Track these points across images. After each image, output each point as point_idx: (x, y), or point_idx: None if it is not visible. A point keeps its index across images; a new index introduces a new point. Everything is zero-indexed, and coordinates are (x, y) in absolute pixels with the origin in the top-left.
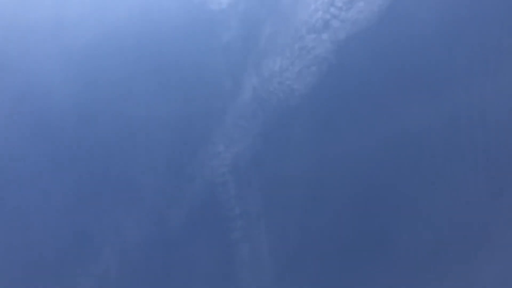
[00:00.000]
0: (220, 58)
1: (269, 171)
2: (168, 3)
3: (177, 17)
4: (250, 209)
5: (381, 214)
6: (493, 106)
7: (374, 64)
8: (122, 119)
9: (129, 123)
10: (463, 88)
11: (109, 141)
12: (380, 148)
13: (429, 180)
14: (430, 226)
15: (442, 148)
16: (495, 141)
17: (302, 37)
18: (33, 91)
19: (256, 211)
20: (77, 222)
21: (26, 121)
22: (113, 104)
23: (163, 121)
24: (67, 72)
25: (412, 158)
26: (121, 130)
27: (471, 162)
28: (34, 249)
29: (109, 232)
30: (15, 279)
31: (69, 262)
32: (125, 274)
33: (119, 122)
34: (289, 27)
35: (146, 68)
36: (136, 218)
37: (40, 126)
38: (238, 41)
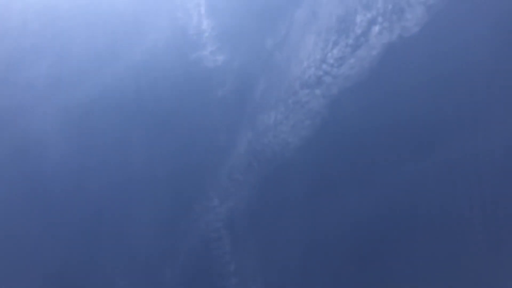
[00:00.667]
0: (216, 112)
1: (265, 226)
2: (164, 60)
3: (173, 73)
4: (245, 266)
5: (379, 269)
6: (486, 158)
7: (367, 118)
8: (117, 174)
9: (123, 178)
10: (457, 140)
11: (102, 197)
12: (375, 201)
13: (427, 234)
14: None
15: (437, 201)
16: (491, 194)
17: (295, 92)
18: (29, 147)
19: (252, 268)
20: (69, 279)
21: (21, 177)
22: (108, 160)
23: (157, 175)
24: (64, 128)
25: (407, 211)
26: (115, 186)
27: (467, 215)
28: None
29: None
30: None
31: None
32: None
33: (114, 178)
34: (283, 83)
35: (141, 124)
36: (129, 276)
37: (35, 181)
38: (233, 96)
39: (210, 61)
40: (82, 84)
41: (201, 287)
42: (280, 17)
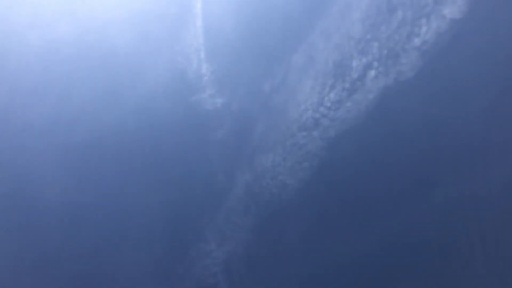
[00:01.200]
0: (214, 154)
1: (263, 270)
2: (163, 103)
3: (172, 116)
4: None
5: None
6: (484, 198)
7: (364, 160)
8: (113, 216)
9: (120, 220)
10: (454, 181)
11: (99, 239)
12: (373, 243)
13: (425, 273)
14: None
15: (436, 241)
16: (490, 233)
17: (293, 135)
18: (27, 187)
19: None
20: None
21: (19, 216)
22: (105, 202)
23: (154, 217)
24: (62, 169)
25: (406, 252)
26: (111, 228)
27: (467, 254)
28: None
29: None
30: None
31: None
32: None
33: (110, 220)
34: (280, 125)
35: (140, 165)
36: None
37: (32, 221)
38: (232, 138)
39: (209, 104)
40: (81, 126)
41: None
42: (278, 61)
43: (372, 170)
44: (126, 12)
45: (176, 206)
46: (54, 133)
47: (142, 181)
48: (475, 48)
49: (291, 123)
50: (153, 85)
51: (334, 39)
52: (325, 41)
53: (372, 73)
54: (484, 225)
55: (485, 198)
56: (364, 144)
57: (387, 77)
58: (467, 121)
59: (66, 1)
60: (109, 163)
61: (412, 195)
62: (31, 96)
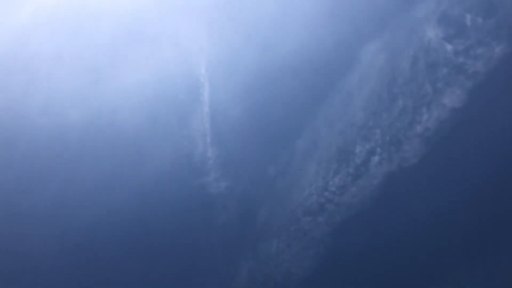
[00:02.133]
0: (217, 240)
1: None
2: (167, 186)
3: (175, 200)
4: None
5: None
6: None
7: (371, 247)
8: None
9: None
10: (457, 269)
11: None
12: None
13: None
14: None
15: None
16: None
17: (298, 220)
18: (28, 272)
19: None
20: None
21: None
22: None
23: None
24: (63, 254)
25: None
26: None
27: None
28: None
29: None
30: None
31: None
32: None
33: None
34: (285, 210)
35: (142, 249)
36: None
37: None
38: (235, 223)
39: (213, 188)
40: (84, 210)
41: None
42: (282, 146)
43: (379, 258)
44: (136, 98)
45: None
46: (56, 218)
47: (144, 266)
48: (476, 136)
49: (295, 208)
50: (158, 169)
51: (337, 125)
52: (328, 127)
53: (375, 159)
54: None
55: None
56: (370, 230)
57: (391, 163)
58: (471, 208)
59: (79, 88)
60: (111, 248)
61: (418, 280)
62: (37, 180)
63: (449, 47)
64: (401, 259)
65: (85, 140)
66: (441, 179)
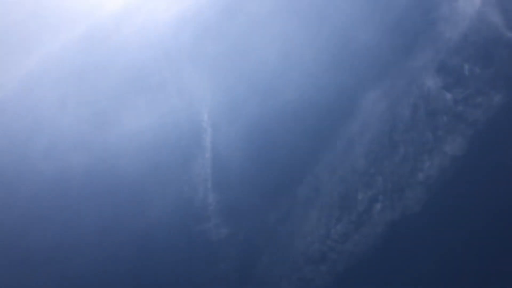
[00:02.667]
0: None
1: None
2: (167, 233)
3: (175, 246)
4: None
5: None
6: None
7: None
8: None
9: None
10: None
11: None
12: None
13: None
14: None
15: None
16: None
17: (300, 268)
18: None
19: None
20: None
21: None
22: None
23: None
24: None
25: None
26: None
27: None
28: None
29: None
30: None
31: None
32: None
33: None
34: (286, 258)
35: None
36: None
37: None
38: (235, 271)
39: (213, 234)
40: (81, 254)
41: None
42: (283, 193)
43: None
44: (139, 143)
45: None
46: (56, 262)
47: None
48: (478, 184)
49: (297, 256)
50: (158, 214)
51: (339, 172)
52: (330, 174)
53: (378, 206)
54: None
55: None
56: (373, 279)
57: (394, 211)
58: (476, 255)
59: (82, 133)
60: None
61: None
62: (37, 224)
63: (448, 95)
64: None
65: (86, 185)
66: (444, 227)
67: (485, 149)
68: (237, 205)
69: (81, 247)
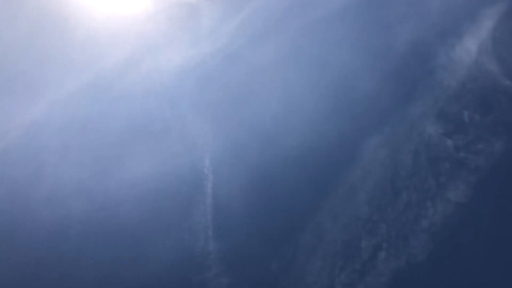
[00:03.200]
0: None
1: None
2: (166, 281)
3: None
4: None
5: None
6: None
7: None
8: None
9: None
10: None
11: None
12: None
13: None
14: None
15: None
16: None
17: None
18: None
19: None
20: None
21: None
22: None
23: None
24: None
25: None
26: None
27: None
28: None
29: None
30: None
31: None
32: None
33: None
34: None
35: None
36: None
37: None
38: None
39: (214, 284)
40: None
41: None
42: (286, 241)
43: None
44: (139, 190)
45: None
46: None
47: None
48: (483, 230)
49: None
50: (158, 262)
51: (342, 219)
52: (332, 221)
53: (382, 254)
54: None
55: None
56: None
57: (398, 260)
58: None
59: (83, 180)
60: None
61: None
62: (37, 271)
63: (449, 142)
64: None
65: (86, 233)
66: (450, 276)
67: (489, 196)
68: (239, 253)
69: None
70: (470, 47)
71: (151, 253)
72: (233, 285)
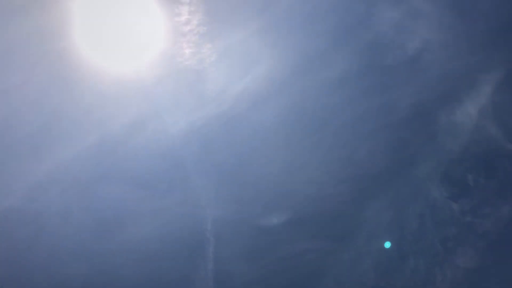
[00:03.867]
0: None
1: None
2: None
3: None
4: None
5: None
6: None
7: None
8: None
9: None
10: None
11: None
12: None
13: None
14: None
15: None
16: None
17: None
18: None
19: None
20: None
21: None
22: None
23: None
24: None
25: None
26: None
27: None
28: None
29: None
30: None
31: None
32: None
33: None
34: None
35: None
36: None
37: None
38: None
39: None
40: None
41: None
42: None
43: None
44: (140, 253)
45: None
46: None
47: None
48: None
49: None
50: None
51: (347, 286)
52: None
53: None
54: None
55: None
56: None
57: None
58: None
59: (83, 242)
60: None
61: None
62: None
63: (455, 206)
64: None
65: None
66: None
67: (499, 261)
68: None
69: None
70: (471, 111)
71: None
72: None
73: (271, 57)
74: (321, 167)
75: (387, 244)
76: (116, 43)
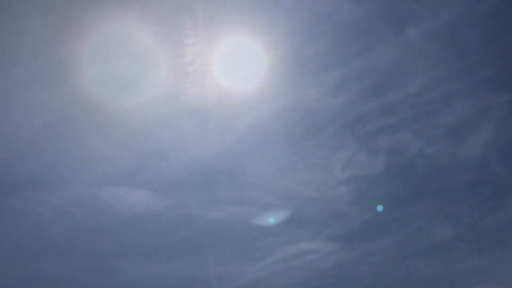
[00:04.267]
0: None
1: None
2: None
3: None
4: None
5: None
6: None
7: None
8: None
9: None
10: None
11: None
12: None
13: None
14: None
15: None
16: None
17: None
18: None
19: None
20: None
21: None
22: None
23: None
24: None
25: None
26: None
27: None
28: None
29: None
30: None
31: None
32: None
33: None
34: None
35: None
36: None
37: None
38: None
39: None
40: None
41: None
42: None
43: None
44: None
45: None
46: None
47: None
48: None
49: None
50: None
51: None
52: None
53: None
54: None
55: None
56: None
57: None
58: None
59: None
60: None
61: None
62: None
63: (462, 245)
64: None
65: None
66: None
67: None
68: None
69: None
70: (474, 147)
71: None
72: None
73: (274, 96)
74: (321, 210)
75: (379, 208)
76: (121, 82)
